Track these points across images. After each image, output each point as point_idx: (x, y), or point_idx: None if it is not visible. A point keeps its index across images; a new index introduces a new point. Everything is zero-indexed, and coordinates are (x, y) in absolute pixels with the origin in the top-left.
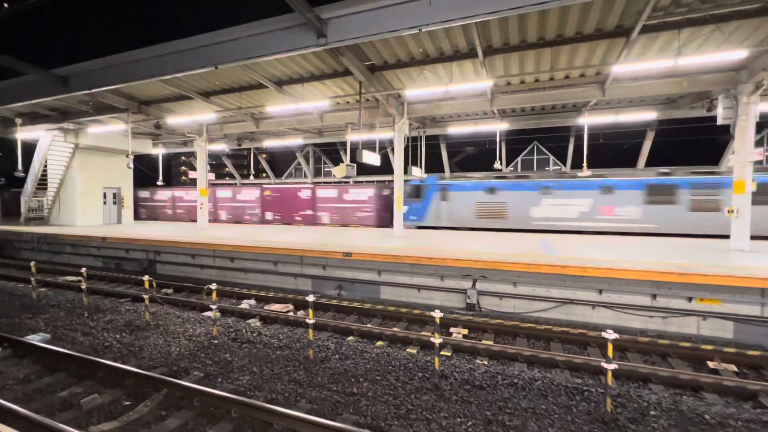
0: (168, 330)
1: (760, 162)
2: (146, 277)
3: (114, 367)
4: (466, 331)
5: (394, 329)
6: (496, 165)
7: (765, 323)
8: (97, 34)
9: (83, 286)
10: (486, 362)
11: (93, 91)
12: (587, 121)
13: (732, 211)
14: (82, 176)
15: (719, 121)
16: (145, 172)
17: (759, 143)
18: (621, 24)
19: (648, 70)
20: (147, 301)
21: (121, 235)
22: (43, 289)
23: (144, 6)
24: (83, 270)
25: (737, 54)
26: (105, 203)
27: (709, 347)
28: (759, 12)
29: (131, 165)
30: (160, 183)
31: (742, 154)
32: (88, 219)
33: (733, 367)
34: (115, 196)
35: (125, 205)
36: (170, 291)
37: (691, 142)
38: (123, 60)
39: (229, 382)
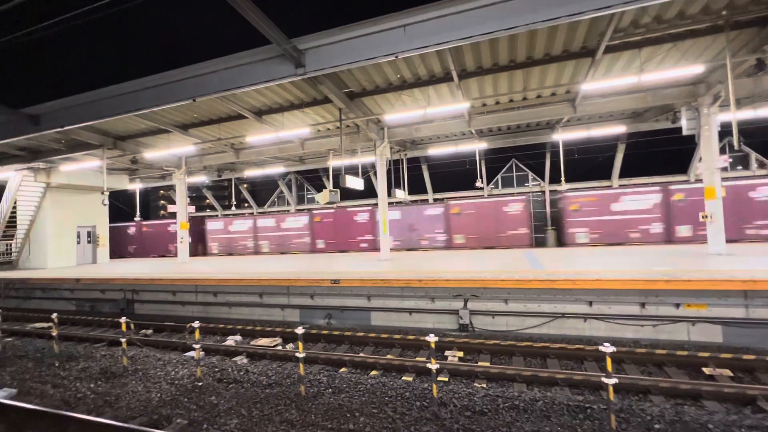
0: (148, 375)
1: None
2: (123, 319)
3: (87, 421)
4: (461, 354)
5: (388, 357)
6: (478, 183)
7: (751, 325)
8: (72, 72)
9: (54, 332)
10: (484, 385)
11: (66, 128)
12: (561, 137)
13: (706, 217)
14: (54, 216)
15: (684, 132)
16: (121, 208)
17: (722, 151)
18: (586, 45)
19: (614, 87)
20: (124, 345)
21: (96, 275)
22: (9, 339)
23: (121, 43)
24: (54, 315)
25: (694, 69)
26: (79, 242)
27: (705, 354)
28: (709, 30)
29: (107, 202)
30: (137, 219)
31: (709, 161)
32: (61, 260)
33: (729, 372)
34: (89, 234)
35: (101, 243)
36: (150, 332)
37: (660, 152)
38: (97, 96)
39: (216, 428)
